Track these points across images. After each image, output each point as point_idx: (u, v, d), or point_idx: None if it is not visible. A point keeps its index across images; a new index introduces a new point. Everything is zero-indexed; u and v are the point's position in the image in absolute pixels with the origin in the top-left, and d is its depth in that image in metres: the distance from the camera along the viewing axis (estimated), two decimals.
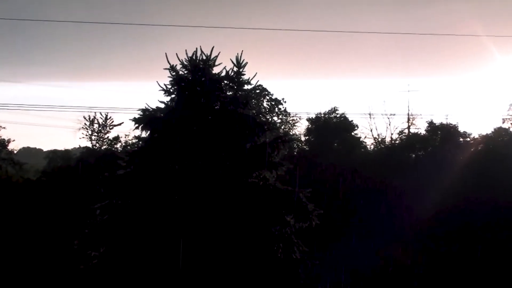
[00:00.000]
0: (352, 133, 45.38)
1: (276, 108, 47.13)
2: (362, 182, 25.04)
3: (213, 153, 10.14)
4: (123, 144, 39.58)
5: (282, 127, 47.41)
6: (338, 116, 45.45)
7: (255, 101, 35.84)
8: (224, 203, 9.56)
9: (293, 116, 47.46)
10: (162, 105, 10.56)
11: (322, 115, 44.94)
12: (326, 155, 30.61)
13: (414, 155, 38.36)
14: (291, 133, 44.67)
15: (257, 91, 45.43)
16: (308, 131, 45.19)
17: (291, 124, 48.15)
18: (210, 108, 10.56)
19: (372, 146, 45.64)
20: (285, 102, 48.87)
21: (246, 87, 10.86)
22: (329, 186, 24.06)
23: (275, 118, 46.47)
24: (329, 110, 45.59)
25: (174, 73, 10.60)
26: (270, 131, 10.60)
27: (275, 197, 9.99)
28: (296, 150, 36.99)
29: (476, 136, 38.36)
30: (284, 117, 47.79)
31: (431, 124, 40.81)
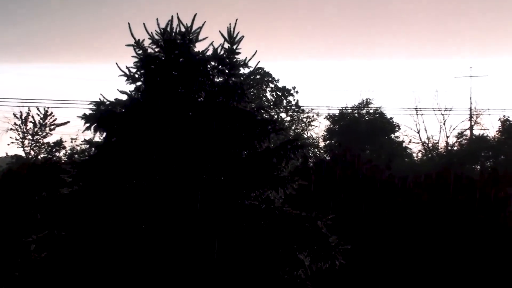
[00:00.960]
0: (392, 136, 45.45)
1: (285, 101, 47.05)
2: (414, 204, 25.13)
3: (194, 164, 10.22)
4: (69, 151, 39.66)
5: (293, 128, 47.47)
6: (371, 112, 45.45)
7: (254, 91, 35.47)
8: (210, 238, 9.68)
9: (308, 112, 47.40)
10: (124, 97, 10.71)
11: (349, 110, 44.94)
12: (355, 167, 30.68)
13: (479, 167, 38.35)
14: (305, 136, 44.63)
15: (258, 76, 45.46)
16: (329, 133, 45.41)
17: (306, 123, 48.05)
18: (191, 101, 10.67)
19: (419, 154, 45.62)
20: (296, 92, 48.90)
21: (242, 70, 10.99)
22: (361, 210, 24.12)
23: (283, 115, 46.53)
24: (359, 104, 45.61)
25: (140, 52, 10.76)
26: (276, 133, 10.73)
27: (283, 226, 10.11)
28: (312, 160, 36.86)
29: None
30: (296, 113, 47.60)
31: (505, 122, 40.65)
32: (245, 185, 10.34)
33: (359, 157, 29.59)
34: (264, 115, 10.94)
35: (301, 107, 47.91)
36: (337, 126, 45.67)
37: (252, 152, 10.65)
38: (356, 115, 46.06)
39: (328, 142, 46.39)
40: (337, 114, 45.31)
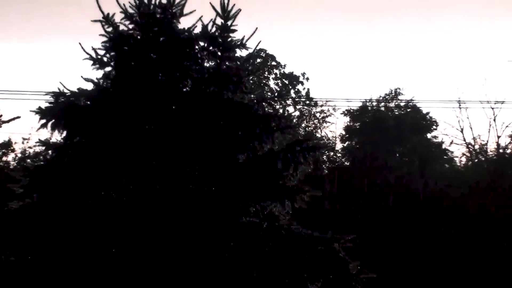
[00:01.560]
0: (428, 136, 45.24)
1: (293, 91, 46.77)
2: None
3: (178, 171, 10.23)
4: (20, 154, 39.61)
5: (303, 125, 47.27)
6: (402, 105, 45.27)
7: (254, 79, 34.83)
8: (197, 263, 9.71)
9: (322, 105, 47.08)
10: (89, 85, 10.72)
11: (374, 103, 44.62)
12: (380, 173, 30.56)
13: None
14: (319, 136, 44.34)
15: (259, 60, 45.19)
16: (349, 132, 45.28)
17: (319, 120, 47.81)
18: (174, 91, 10.66)
19: (463, 159, 45.34)
20: (307, 79, 48.71)
21: (238, 53, 11.00)
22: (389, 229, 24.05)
23: (291, 109, 46.25)
24: (385, 96, 45.25)
25: (110, 29, 10.74)
26: (281, 132, 10.76)
27: (290, 249, 10.12)
28: (327, 165, 36.69)
29: None
30: (307, 107, 47.28)
31: None
32: (242, 198, 10.36)
33: (385, 167, 29.46)
34: (267, 108, 11.02)
35: (314, 99, 47.25)
36: (358, 124, 45.37)
37: (252, 156, 10.68)
38: (382, 109, 45.69)
39: (347, 143, 46.11)
40: (358, 108, 44.83)
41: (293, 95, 46.17)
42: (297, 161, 10.70)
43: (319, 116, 47.81)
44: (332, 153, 43.81)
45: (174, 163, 10.44)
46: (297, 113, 47.58)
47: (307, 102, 46.56)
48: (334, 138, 47.41)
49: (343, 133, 46.10)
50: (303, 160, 10.74)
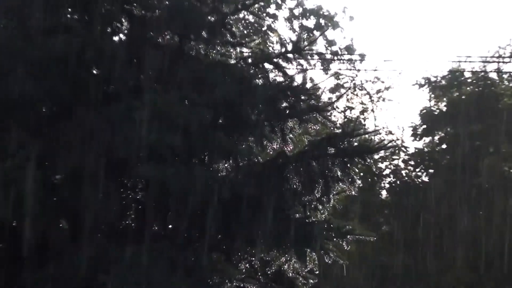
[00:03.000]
0: None
1: (323, 40, 26.63)
2: None
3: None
4: None
5: (342, 104, 28.47)
6: None
7: (249, 19, 19.06)
8: None
9: (376, 69, 29.06)
10: None
11: (469, 70, 33.58)
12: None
13: None
14: (363, 123, 25.09)
15: None
16: (427, 118, 27.82)
17: (371, 97, 27.49)
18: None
19: None
20: (351, 19, 29.23)
21: None
22: None
23: (316, 75, 31.17)
24: (492, 57, 29.64)
25: None
26: (300, 119, 7.59)
27: None
28: (386, 183, 22.49)
29: None
30: (345, 75, 27.26)
31: None
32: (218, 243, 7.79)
33: None
34: (273, 75, 7.91)
35: (358, 60, 26.01)
36: (444, 103, 27.85)
37: (242, 164, 7.69)
38: (488, 82, 27.83)
39: (424, 139, 26.43)
40: (447, 75, 28.16)
41: (331, 54, 24.75)
42: (328, 176, 7.56)
43: (371, 89, 27.23)
44: (396, 158, 22.87)
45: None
46: (329, 81, 27.98)
47: (347, 62, 25.35)
48: (400, 131, 25.90)
49: (417, 122, 26.34)
50: (341, 172, 7.59)
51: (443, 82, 26.24)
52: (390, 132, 27.79)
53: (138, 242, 7.08)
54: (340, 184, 7.62)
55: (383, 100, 29.73)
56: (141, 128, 6.99)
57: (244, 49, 8.12)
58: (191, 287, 7.12)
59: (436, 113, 25.22)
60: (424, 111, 27.65)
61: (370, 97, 25.40)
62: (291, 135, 7.71)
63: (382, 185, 26.24)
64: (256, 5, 9.12)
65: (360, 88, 25.85)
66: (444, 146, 27.33)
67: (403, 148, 27.64)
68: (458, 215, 25.18)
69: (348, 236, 7.72)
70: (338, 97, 27.69)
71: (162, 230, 7.85)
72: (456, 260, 24.02)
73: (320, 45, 26.50)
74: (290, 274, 8.00)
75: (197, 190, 6.94)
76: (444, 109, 25.06)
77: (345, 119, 26.53)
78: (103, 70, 7.58)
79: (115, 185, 7.21)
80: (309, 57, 7.56)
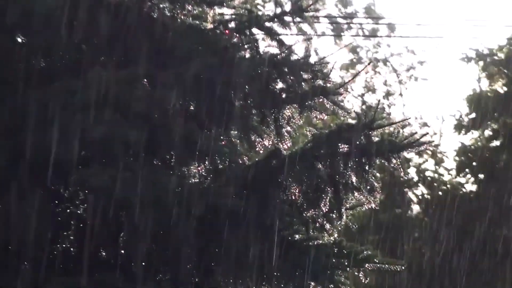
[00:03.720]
0: None
1: (340, 10, 24.06)
2: None
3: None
4: None
5: (361, 86, 26.42)
6: None
7: None
8: None
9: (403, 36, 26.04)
10: None
11: None
12: None
13: None
14: (386, 114, 23.20)
15: None
16: (476, 108, 24.91)
17: (398, 75, 24.89)
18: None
19: None
20: None
21: None
22: None
23: (323, 45, 30.20)
24: None
25: None
26: (301, 106, 6.40)
27: None
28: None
29: None
30: (368, 40, 24.39)
31: None
32: (188, 274, 6.47)
33: None
34: (265, 45, 6.59)
35: (385, 27, 24.75)
36: (500, 84, 23.76)
37: (222, 166, 6.53)
38: None
39: (474, 134, 24.64)
40: (498, 49, 23.06)
41: (334, 9, 23.66)
42: (339, 183, 6.38)
43: (399, 65, 24.97)
44: (440, 169, 21.63)
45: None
46: (342, 55, 26.58)
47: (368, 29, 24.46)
48: (440, 122, 24.31)
49: (463, 110, 24.65)
50: (358, 179, 6.40)
51: (500, 55, 22.86)
52: (425, 124, 22.63)
53: (78, 272, 5.73)
54: (356, 194, 6.32)
55: (415, 79, 25.19)
56: (83, 117, 5.52)
57: (225, 10, 6.50)
58: None
59: (490, 97, 22.39)
60: (473, 95, 22.63)
61: (398, 75, 23.10)
62: (288, 128, 6.40)
63: (413, 196, 22.20)
64: None
65: (384, 63, 23.04)
66: (498, 142, 21.01)
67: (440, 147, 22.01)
68: None
69: (366, 265, 6.49)
70: (354, 76, 23.34)
71: (111, 257, 6.20)
72: None
73: (330, 4, 23.36)
74: None
75: (160, 202, 5.60)
76: (501, 92, 22.21)
77: (363, 106, 22.27)
78: (31, 36, 6.25)
79: (45, 196, 5.67)
80: (314, 20, 6.27)
